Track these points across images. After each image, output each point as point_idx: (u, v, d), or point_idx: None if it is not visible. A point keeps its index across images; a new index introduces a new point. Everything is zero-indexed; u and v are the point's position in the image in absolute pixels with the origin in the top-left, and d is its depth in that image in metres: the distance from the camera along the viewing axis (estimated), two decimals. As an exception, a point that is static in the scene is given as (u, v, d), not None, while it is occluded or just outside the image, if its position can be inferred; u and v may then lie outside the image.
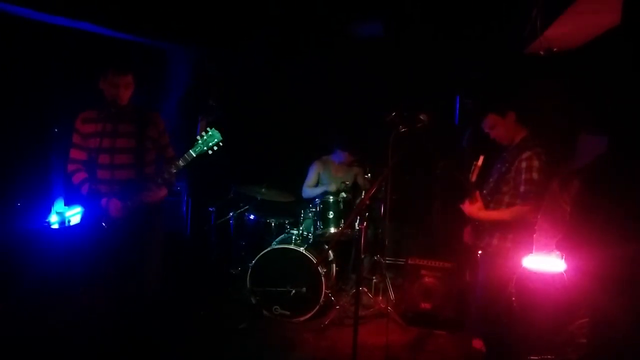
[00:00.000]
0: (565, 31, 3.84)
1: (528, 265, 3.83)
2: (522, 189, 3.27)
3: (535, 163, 3.24)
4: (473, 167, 3.48)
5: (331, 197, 4.98)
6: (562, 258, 3.74)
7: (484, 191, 3.48)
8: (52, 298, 4.60)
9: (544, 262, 4.10)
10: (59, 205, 5.35)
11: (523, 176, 3.26)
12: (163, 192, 3.44)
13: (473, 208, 3.40)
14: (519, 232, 3.36)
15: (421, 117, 3.46)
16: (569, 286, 3.89)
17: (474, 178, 3.45)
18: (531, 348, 3.78)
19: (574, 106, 4.46)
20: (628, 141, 3.42)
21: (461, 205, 3.49)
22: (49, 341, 3.97)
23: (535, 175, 3.24)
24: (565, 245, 3.57)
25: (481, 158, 3.44)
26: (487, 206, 3.42)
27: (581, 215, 3.59)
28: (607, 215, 3.36)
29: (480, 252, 3.50)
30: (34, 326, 4.22)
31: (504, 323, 3.39)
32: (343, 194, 5.03)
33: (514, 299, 3.42)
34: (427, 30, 5.54)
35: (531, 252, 3.44)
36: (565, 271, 3.92)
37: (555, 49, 4.34)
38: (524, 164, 3.26)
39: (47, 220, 5.22)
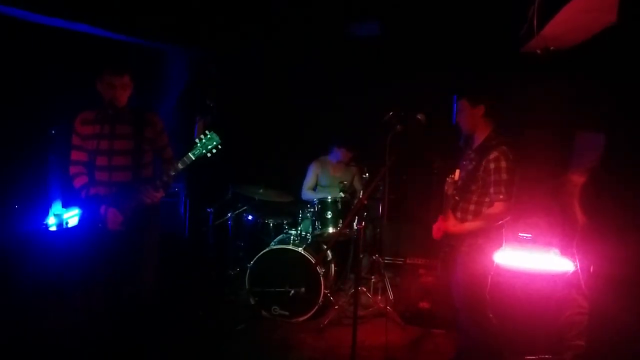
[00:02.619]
0: (562, 30, 3.84)
1: (501, 262, 3.86)
2: (492, 190, 3.30)
3: (503, 164, 3.26)
4: (448, 181, 3.51)
5: (329, 197, 4.98)
6: (575, 259, 3.77)
7: (453, 191, 3.50)
8: (49, 300, 4.59)
9: (517, 259, 4.12)
10: (56, 207, 5.34)
11: (492, 177, 3.28)
12: (160, 194, 3.43)
13: (448, 225, 3.42)
14: (489, 229, 3.39)
15: (418, 117, 3.46)
16: (566, 285, 3.91)
17: (450, 191, 3.47)
18: (527, 348, 3.80)
19: (571, 104, 4.47)
20: (625, 139, 3.43)
21: (435, 225, 3.53)
22: (46, 343, 3.96)
23: (504, 176, 3.26)
24: (580, 246, 3.60)
25: (457, 172, 3.47)
26: (455, 206, 3.44)
27: (591, 216, 3.62)
28: (612, 214, 3.38)
29: (447, 248, 3.52)
30: (31, 328, 4.21)
31: (485, 320, 3.40)
32: (341, 194, 5.03)
33: (487, 294, 3.44)
34: (423, 29, 5.54)
35: (501, 247, 3.47)
36: (572, 271, 3.95)
37: (552, 48, 4.34)
38: (492, 165, 3.28)
39: (44, 222, 5.21)
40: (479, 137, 3.46)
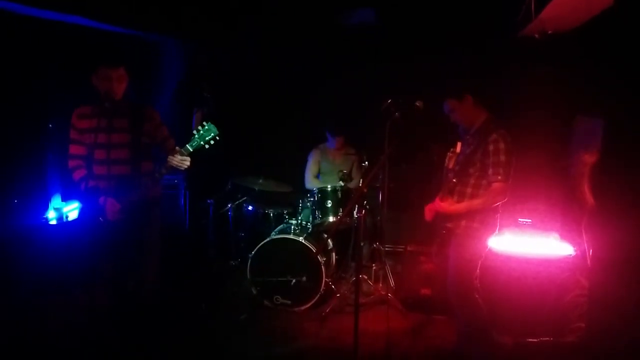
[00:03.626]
0: (560, 13, 3.82)
1: (501, 247, 3.87)
2: (490, 171, 3.30)
3: (502, 145, 3.27)
4: (449, 154, 3.51)
5: (329, 186, 4.98)
6: (582, 240, 3.78)
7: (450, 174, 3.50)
8: (50, 294, 4.61)
9: (539, 245, 4.14)
10: (56, 201, 5.33)
11: (490, 159, 3.29)
12: (158, 187, 3.42)
13: (444, 205, 3.42)
14: (486, 212, 3.40)
15: (416, 104, 3.45)
16: (568, 268, 3.93)
17: (451, 165, 3.48)
18: (529, 330, 3.82)
19: (569, 88, 4.46)
20: (624, 123, 3.43)
21: (430, 205, 3.51)
22: (47, 339, 3.97)
23: (502, 158, 3.27)
24: (589, 228, 3.61)
25: (458, 145, 3.47)
26: (452, 189, 3.44)
27: (598, 200, 3.63)
28: (615, 197, 3.39)
29: (444, 231, 3.52)
30: (32, 322, 4.22)
31: (478, 304, 3.42)
32: (341, 183, 5.03)
33: (477, 278, 3.46)
34: (419, 14, 5.50)
35: (495, 231, 3.47)
36: (570, 255, 3.96)
37: (550, 31, 4.32)
38: (491, 147, 3.29)
39: (44, 216, 5.21)
40: (477, 123, 3.47)
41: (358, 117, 5.63)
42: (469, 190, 3.41)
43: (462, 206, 3.39)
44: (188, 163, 3.35)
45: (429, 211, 3.55)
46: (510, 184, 3.33)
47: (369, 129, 4.55)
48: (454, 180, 3.42)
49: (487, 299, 3.46)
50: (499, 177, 3.27)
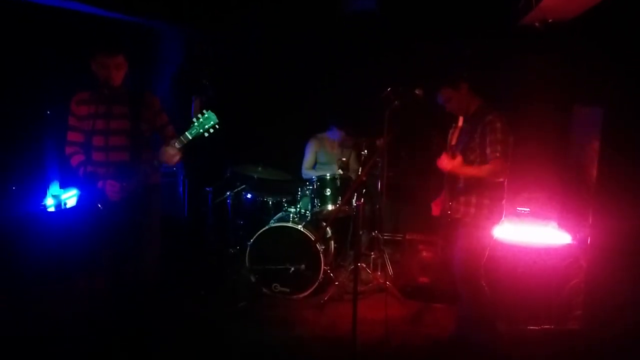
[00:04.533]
0: (561, 1, 3.80)
1: (501, 236, 3.88)
2: (488, 150, 3.30)
3: (498, 125, 3.28)
4: (453, 129, 3.49)
5: (328, 175, 4.97)
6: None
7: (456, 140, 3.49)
8: (49, 281, 4.61)
9: (538, 234, 4.15)
10: (54, 188, 5.32)
11: (488, 138, 3.30)
12: (158, 173, 3.41)
13: (454, 162, 3.33)
14: (493, 200, 3.40)
15: (416, 92, 3.44)
16: (568, 256, 3.94)
17: (454, 141, 3.45)
18: (530, 318, 3.85)
19: (570, 78, 4.45)
20: (624, 112, 3.43)
21: (439, 162, 3.43)
22: (47, 325, 3.98)
23: (499, 136, 3.27)
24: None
25: (461, 119, 3.44)
26: (457, 176, 3.44)
27: (600, 189, 3.63)
28: (616, 186, 3.40)
29: (450, 220, 3.52)
30: (31, 310, 4.23)
31: (479, 290, 3.43)
32: (340, 171, 5.03)
33: (483, 268, 3.47)
34: (420, 2, 5.47)
35: (501, 220, 3.47)
36: (570, 243, 3.98)
37: (550, 20, 4.30)
38: (487, 128, 3.30)
39: (43, 203, 5.20)
40: (472, 109, 3.47)
41: (358, 106, 5.61)
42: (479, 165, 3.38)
43: (470, 169, 3.36)
44: (178, 158, 3.34)
45: (435, 206, 3.54)
46: (509, 164, 3.31)
47: (369, 117, 4.55)
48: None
49: (489, 287, 3.48)
50: (497, 154, 3.26)
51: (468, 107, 3.47)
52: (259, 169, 5.22)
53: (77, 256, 4.49)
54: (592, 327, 3.50)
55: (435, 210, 3.56)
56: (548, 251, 3.98)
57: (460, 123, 3.43)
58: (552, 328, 3.80)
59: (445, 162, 3.35)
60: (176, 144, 3.31)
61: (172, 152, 3.31)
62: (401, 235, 5.67)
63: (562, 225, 4.30)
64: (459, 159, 3.32)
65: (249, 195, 5.56)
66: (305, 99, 6.01)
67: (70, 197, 5.34)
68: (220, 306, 4.48)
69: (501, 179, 3.39)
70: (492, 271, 3.70)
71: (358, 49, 5.95)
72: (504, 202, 3.47)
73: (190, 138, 3.31)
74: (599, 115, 3.93)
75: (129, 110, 3.41)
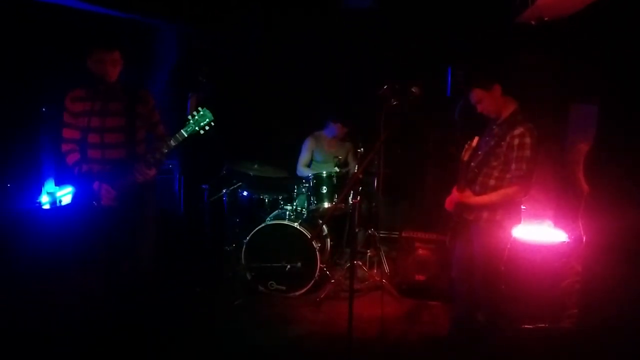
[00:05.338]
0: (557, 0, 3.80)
1: (519, 236, 3.87)
2: (513, 166, 3.22)
3: (528, 140, 3.18)
4: (466, 147, 3.41)
5: (324, 172, 4.97)
6: (578, 227, 3.79)
7: (472, 164, 3.42)
8: (44, 278, 4.59)
9: (533, 233, 4.15)
10: (49, 186, 5.31)
11: (515, 154, 3.21)
12: (152, 171, 3.40)
13: (463, 196, 3.37)
14: (508, 206, 3.35)
15: (413, 90, 3.43)
16: (563, 255, 3.95)
17: (466, 157, 3.40)
18: (525, 317, 3.85)
19: (566, 76, 4.45)
20: (619, 110, 3.43)
21: (449, 198, 3.48)
22: (41, 321, 3.97)
23: (527, 153, 3.19)
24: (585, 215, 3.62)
25: (475, 139, 3.38)
26: (474, 179, 3.39)
27: (591, 186, 3.63)
28: (609, 185, 3.40)
29: (464, 223, 3.50)
30: (26, 306, 4.21)
31: (501, 293, 3.42)
32: (336, 169, 5.03)
33: (503, 268, 3.46)
34: (416, 1, 5.48)
35: (520, 223, 3.46)
36: (566, 241, 3.98)
37: (546, 18, 4.30)
38: (516, 141, 3.19)
39: (38, 200, 5.19)
40: (505, 114, 3.36)
41: (354, 104, 5.61)
42: (492, 182, 3.33)
43: (482, 199, 3.33)
44: (153, 173, 3.37)
45: (449, 202, 3.52)
46: (531, 181, 3.25)
47: (365, 115, 4.54)
48: (476, 170, 3.37)
49: (489, 287, 3.47)
50: (521, 173, 3.20)
51: (501, 110, 3.36)
52: (256, 166, 5.21)
53: (72, 253, 4.48)
54: (586, 325, 3.50)
55: (449, 205, 3.53)
56: (543, 249, 3.98)
57: (474, 143, 3.37)
58: (546, 327, 3.81)
59: (456, 196, 3.39)
60: (172, 141, 3.30)
61: (146, 170, 3.32)
62: (397, 233, 5.68)
63: (557, 223, 4.30)
64: (467, 192, 3.34)
65: (245, 193, 5.55)
66: (301, 96, 6.01)
67: (66, 195, 5.33)
68: (216, 304, 4.47)
69: (523, 198, 3.35)
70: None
71: (354, 47, 5.95)
72: (520, 206, 3.43)
73: (186, 135, 3.31)
74: (594, 113, 3.94)
75: (124, 106, 3.41)
